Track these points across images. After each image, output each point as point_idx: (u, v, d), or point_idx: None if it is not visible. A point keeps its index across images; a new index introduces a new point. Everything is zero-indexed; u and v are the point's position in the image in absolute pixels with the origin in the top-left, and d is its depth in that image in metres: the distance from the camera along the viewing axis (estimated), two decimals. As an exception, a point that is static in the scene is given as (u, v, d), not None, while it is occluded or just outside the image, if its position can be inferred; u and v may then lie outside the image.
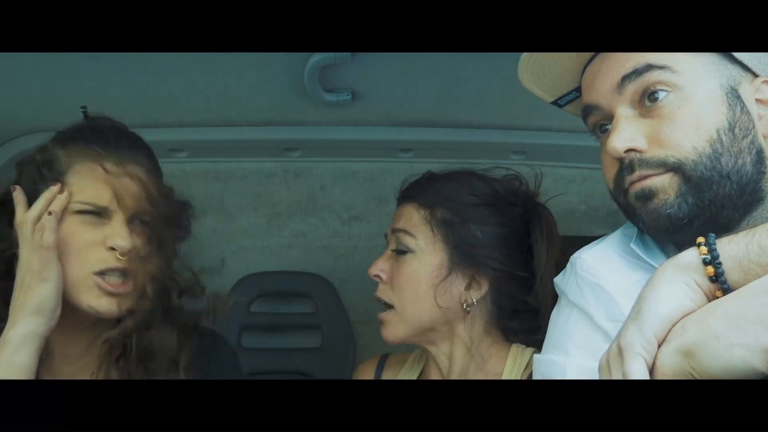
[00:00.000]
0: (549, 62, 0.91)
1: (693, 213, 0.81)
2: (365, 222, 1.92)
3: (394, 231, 1.25)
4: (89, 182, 1.08)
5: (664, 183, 0.81)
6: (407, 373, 1.34)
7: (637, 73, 0.82)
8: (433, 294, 1.18)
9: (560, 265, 0.98)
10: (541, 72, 0.93)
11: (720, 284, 0.67)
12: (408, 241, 1.21)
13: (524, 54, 0.90)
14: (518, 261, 1.22)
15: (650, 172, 0.82)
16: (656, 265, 0.86)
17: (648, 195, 0.83)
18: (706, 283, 0.68)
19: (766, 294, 0.61)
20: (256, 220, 1.91)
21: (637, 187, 0.83)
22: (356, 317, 1.89)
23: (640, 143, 0.82)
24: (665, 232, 0.84)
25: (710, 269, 0.67)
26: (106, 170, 1.08)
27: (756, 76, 0.83)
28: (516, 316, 1.23)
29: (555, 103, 0.98)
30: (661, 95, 0.81)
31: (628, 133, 0.82)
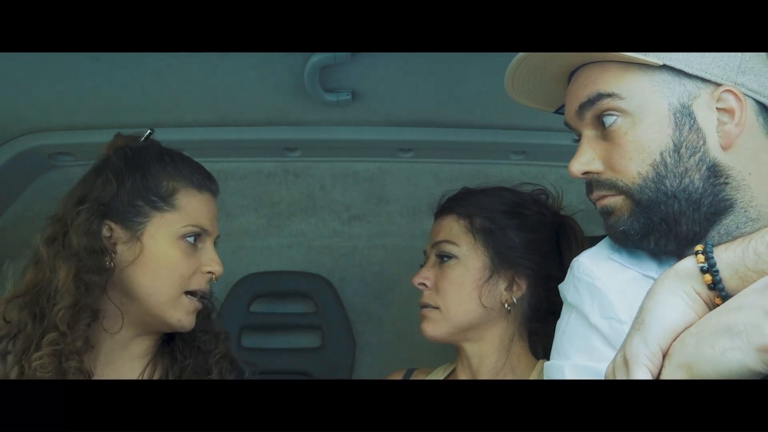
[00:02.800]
0: (534, 86, 0.96)
1: (645, 230, 0.85)
2: (365, 222, 1.92)
3: (436, 243, 1.34)
4: (194, 207, 1.18)
5: (618, 203, 0.87)
6: (433, 378, 1.40)
7: (590, 101, 0.87)
8: (478, 295, 1.28)
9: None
10: (528, 94, 0.98)
11: (718, 291, 0.68)
12: (451, 249, 1.31)
13: (506, 81, 0.95)
14: (553, 262, 1.31)
15: (605, 193, 0.88)
16: (640, 271, 0.88)
17: (607, 212, 0.89)
18: (705, 291, 0.69)
19: (757, 298, 0.61)
20: (256, 220, 1.91)
21: (598, 205, 0.90)
22: (356, 317, 1.89)
23: (596, 166, 0.88)
24: (625, 244, 0.89)
25: (708, 277, 0.68)
26: (204, 197, 1.20)
27: (718, 85, 0.83)
28: (548, 318, 1.30)
29: (557, 112, 1.01)
30: (610, 120, 0.85)
31: (585, 157, 0.88)
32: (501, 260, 1.29)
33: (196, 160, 1.81)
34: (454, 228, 1.32)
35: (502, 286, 1.29)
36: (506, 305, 1.28)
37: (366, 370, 1.86)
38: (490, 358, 1.30)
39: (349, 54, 1.25)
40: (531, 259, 1.29)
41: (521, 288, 1.29)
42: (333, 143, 1.72)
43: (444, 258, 1.31)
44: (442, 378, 1.38)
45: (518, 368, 1.30)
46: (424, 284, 1.32)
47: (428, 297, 1.32)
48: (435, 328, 1.30)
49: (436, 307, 1.30)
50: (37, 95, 1.45)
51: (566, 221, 1.36)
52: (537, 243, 1.31)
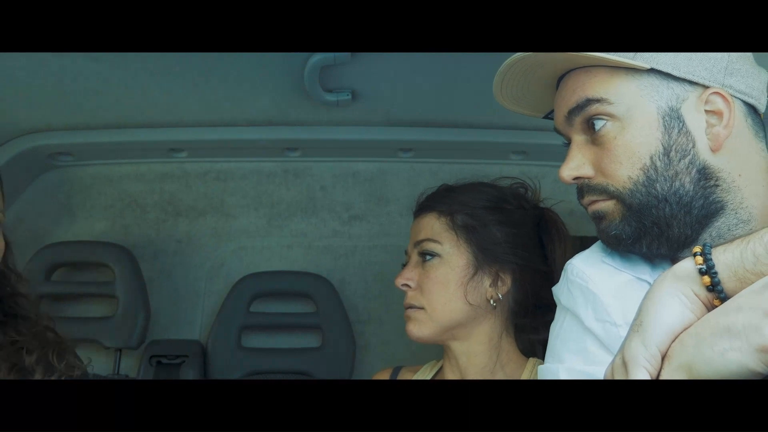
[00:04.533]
0: (522, 92, 0.96)
1: (637, 234, 0.85)
2: (365, 222, 1.92)
3: (418, 242, 1.32)
4: None
5: (610, 208, 0.87)
6: (420, 378, 1.38)
7: (579, 107, 0.87)
8: (463, 292, 1.26)
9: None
10: (517, 101, 0.99)
11: (717, 293, 0.67)
12: (434, 247, 1.29)
13: (494, 88, 0.96)
14: (537, 256, 1.31)
15: (596, 197, 0.88)
16: (633, 274, 0.88)
17: (598, 217, 0.89)
18: (704, 293, 0.68)
19: (756, 298, 0.61)
20: (256, 220, 1.91)
21: (590, 209, 0.90)
22: (356, 317, 1.89)
23: (587, 171, 0.88)
24: (617, 248, 0.89)
25: (706, 279, 0.68)
26: None
27: (706, 87, 0.83)
28: (534, 311, 1.30)
29: (546, 117, 1.02)
30: (599, 124, 0.85)
31: (575, 162, 0.89)
32: (485, 256, 1.27)
33: (196, 160, 1.84)
34: (435, 226, 1.30)
35: (486, 282, 1.27)
36: (492, 302, 1.27)
37: (366, 370, 1.86)
38: (480, 356, 1.28)
39: (348, 54, 1.25)
40: (515, 253, 1.28)
41: (506, 283, 1.28)
42: (333, 143, 1.72)
43: (427, 257, 1.29)
44: (429, 376, 1.37)
45: (508, 366, 1.29)
46: (407, 285, 1.30)
47: (412, 297, 1.30)
48: (421, 328, 1.28)
49: (421, 308, 1.28)
50: (37, 96, 1.45)
51: (546, 213, 1.35)
52: (520, 237, 1.29)
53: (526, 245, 1.30)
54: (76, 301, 1.86)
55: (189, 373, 1.75)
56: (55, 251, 1.79)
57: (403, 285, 1.31)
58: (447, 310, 1.26)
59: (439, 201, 1.33)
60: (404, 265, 1.35)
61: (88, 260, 1.81)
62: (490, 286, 1.27)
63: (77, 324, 1.79)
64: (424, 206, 1.35)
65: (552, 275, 1.29)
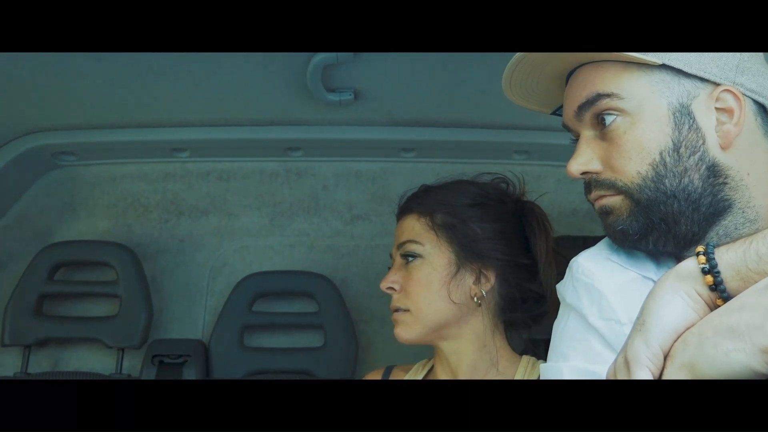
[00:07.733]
0: (531, 88, 0.96)
1: (644, 230, 0.85)
2: (368, 221, 1.92)
3: (400, 244, 1.31)
4: None
5: (617, 203, 0.86)
6: (412, 377, 1.37)
7: (589, 102, 0.86)
8: (447, 292, 1.25)
9: (563, 259, 1.00)
10: (526, 96, 0.98)
11: (720, 293, 0.67)
12: (415, 248, 1.29)
13: (503, 84, 0.95)
14: (519, 250, 1.29)
15: (604, 193, 0.87)
16: (639, 272, 0.87)
17: (605, 212, 0.88)
18: (707, 292, 0.68)
19: (760, 298, 0.61)
20: (258, 220, 1.91)
21: (597, 205, 0.89)
22: (358, 316, 1.89)
23: (595, 166, 0.87)
24: (623, 244, 0.88)
25: (709, 278, 0.68)
26: None
27: (717, 85, 0.83)
28: (522, 306, 1.29)
29: (554, 113, 1.01)
30: (609, 119, 0.85)
31: (584, 157, 0.88)
32: (466, 254, 1.26)
33: (199, 159, 1.84)
34: (416, 227, 1.30)
35: (469, 280, 1.26)
36: (476, 299, 1.26)
37: (368, 370, 1.84)
38: (469, 355, 1.28)
39: (351, 54, 1.25)
40: (496, 249, 1.27)
41: (490, 280, 1.27)
42: (335, 143, 1.72)
43: (409, 258, 1.29)
44: (421, 375, 1.36)
45: (500, 364, 1.28)
46: (392, 288, 1.30)
47: (398, 300, 1.29)
48: (408, 330, 1.28)
49: (407, 310, 1.28)
50: (40, 95, 1.45)
51: (527, 206, 1.34)
52: (500, 232, 1.28)
53: (508, 240, 1.29)
54: (79, 300, 1.86)
55: (191, 372, 1.74)
56: (57, 250, 1.79)
57: (388, 288, 1.31)
58: (432, 311, 1.26)
59: (418, 202, 1.33)
60: (390, 269, 1.34)
61: (90, 260, 1.81)
62: (473, 283, 1.26)
63: (80, 323, 1.79)
64: (405, 208, 1.35)
65: (535, 268, 1.29)
